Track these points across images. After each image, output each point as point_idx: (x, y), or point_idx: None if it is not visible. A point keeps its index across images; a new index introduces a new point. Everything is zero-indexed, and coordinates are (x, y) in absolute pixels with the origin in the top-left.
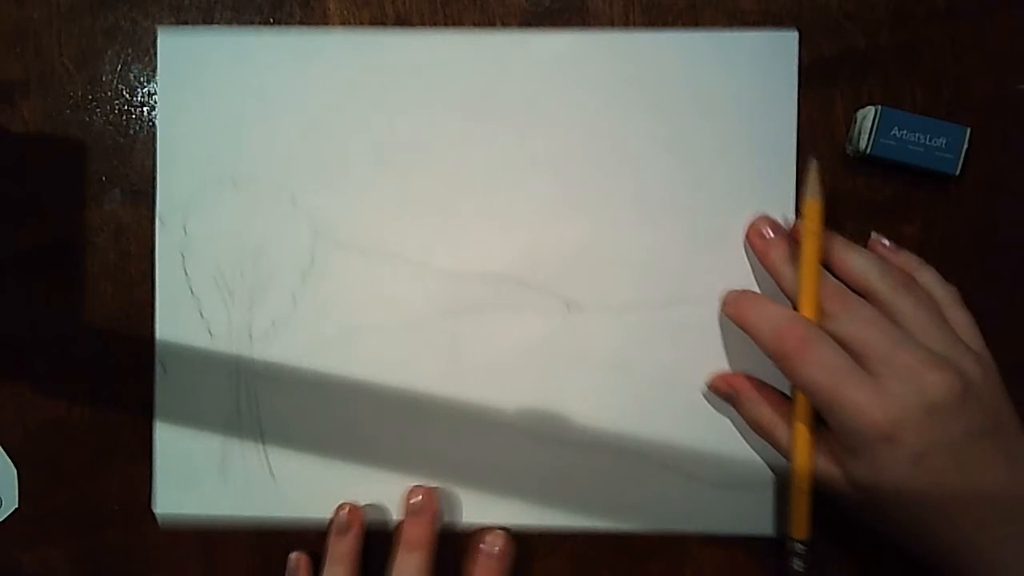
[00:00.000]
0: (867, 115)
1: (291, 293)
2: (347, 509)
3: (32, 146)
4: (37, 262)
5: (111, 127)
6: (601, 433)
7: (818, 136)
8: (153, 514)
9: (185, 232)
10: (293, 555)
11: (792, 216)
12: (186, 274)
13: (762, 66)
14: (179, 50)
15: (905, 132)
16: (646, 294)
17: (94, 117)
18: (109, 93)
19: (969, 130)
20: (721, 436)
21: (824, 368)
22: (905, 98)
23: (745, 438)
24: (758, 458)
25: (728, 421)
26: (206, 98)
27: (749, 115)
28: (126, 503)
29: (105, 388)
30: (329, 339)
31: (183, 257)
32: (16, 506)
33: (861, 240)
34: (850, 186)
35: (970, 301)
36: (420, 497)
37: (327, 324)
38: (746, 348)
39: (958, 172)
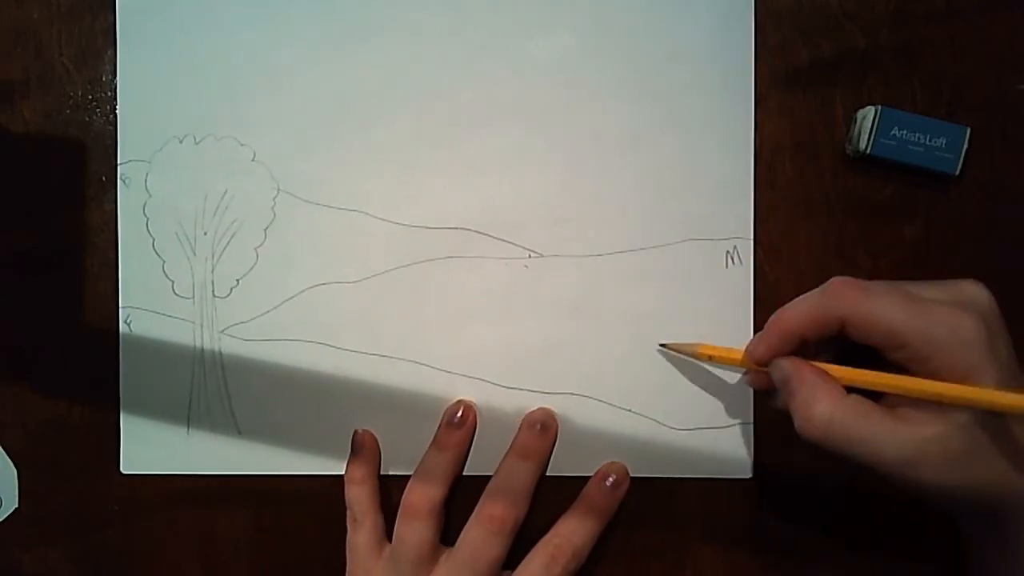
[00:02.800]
0: (867, 115)
1: (253, 249)
2: (463, 407)
3: (32, 146)
4: (37, 262)
5: (111, 127)
6: (565, 381)
7: (818, 136)
8: (159, 514)
9: (147, 190)
10: (360, 431)
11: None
12: (149, 233)
13: (719, 10)
14: (138, 5)
15: (905, 132)
16: (608, 241)
17: (94, 117)
18: (109, 93)
19: (969, 130)
20: (683, 381)
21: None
22: (905, 98)
23: (707, 383)
24: (724, 402)
25: (690, 366)
26: (166, 54)
27: (708, 60)
28: (126, 503)
29: (105, 388)
30: (292, 293)
31: (146, 216)
32: (16, 506)
33: (861, 240)
34: (850, 186)
35: None
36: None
37: (290, 279)
38: (707, 295)
39: (958, 172)
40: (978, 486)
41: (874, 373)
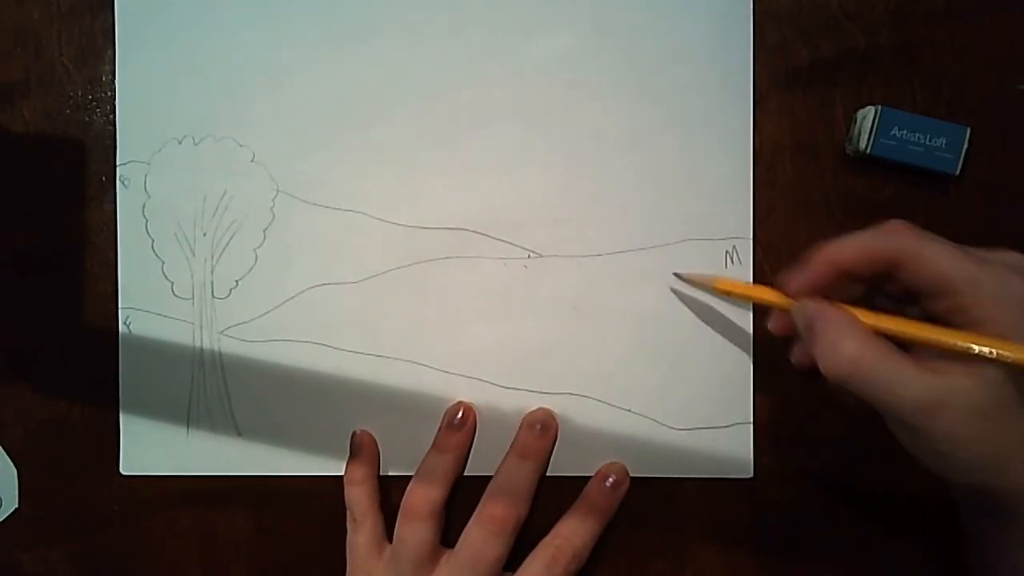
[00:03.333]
0: (867, 115)
1: (253, 250)
2: (463, 408)
3: (32, 146)
4: (37, 262)
5: (111, 127)
6: (564, 381)
7: (818, 136)
8: (159, 514)
9: (146, 191)
10: (359, 431)
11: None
12: (148, 234)
13: (718, 10)
14: (138, 5)
15: (905, 132)
16: (608, 241)
17: (94, 117)
18: (109, 93)
19: (969, 130)
20: (684, 381)
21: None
22: (905, 98)
23: (708, 383)
24: (725, 402)
25: (690, 366)
26: (166, 54)
27: (707, 61)
28: (126, 504)
29: (105, 389)
30: (292, 294)
31: (145, 218)
32: (16, 506)
33: None
34: (850, 186)
35: None
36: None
37: (289, 279)
38: (706, 295)
39: (958, 172)
40: (990, 452)
41: (905, 320)
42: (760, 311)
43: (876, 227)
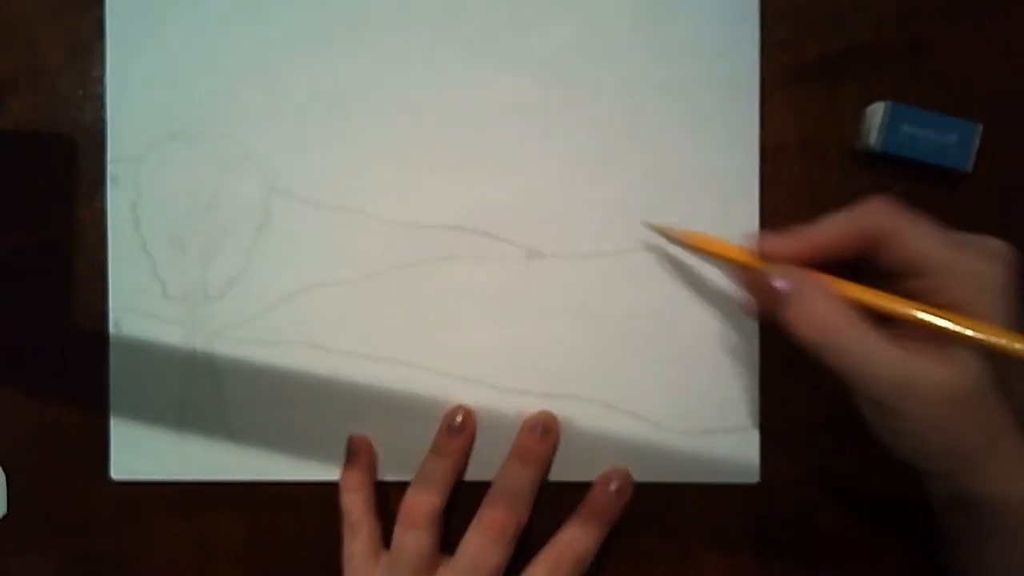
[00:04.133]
0: (877, 111)
1: (245, 249)
2: (463, 412)
3: (22, 144)
4: (29, 262)
5: (101, 124)
6: (565, 383)
7: (827, 132)
8: (150, 519)
9: (138, 189)
10: (355, 436)
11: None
12: (140, 233)
13: (724, 6)
14: (127, 1)
15: (916, 128)
16: (607, 240)
17: (84, 114)
18: (99, 89)
19: (981, 126)
20: (688, 383)
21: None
22: (915, 94)
23: (713, 385)
24: (731, 405)
25: (696, 368)
26: (157, 51)
27: (711, 57)
28: (117, 509)
29: (95, 393)
30: (285, 294)
31: (137, 216)
32: (5, 512)
33: None
34: (859, 183)
35: None
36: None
37: (284, 280)
38: (709, 294)
39: (970, 168)
40: (958, 441)
41: (883, 294)
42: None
43: (857, 206)
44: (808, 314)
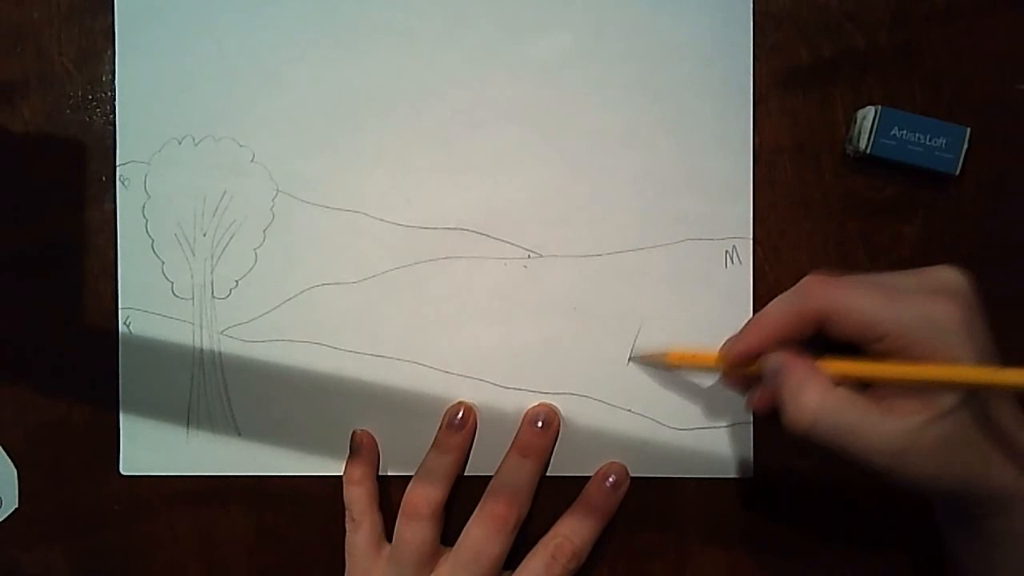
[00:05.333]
0: (867, 115)
1: (252, 250)
2: (463, 409)
3: (32, 146)
4: (37, 262)
5: (111, 127)
6: (565, 381)
7: (819, 136)
8: (159, 514)
9: (146, 191)
10: (358, 431)
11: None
12: (148, 234)
13: (718, 10)
14: (138, 5)
15: (905, 132)
16: (607, 241)
17: (94, 117)
18: (109, 93)
19: (969, 130)
20: (683, 381)
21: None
22: (905, 98)
23: (708, 382)
24: (725, 402)
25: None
26: (165, 55)
27: (705, 61)
28: (126, 504)
29: (105, 389)
30: (291, 294)
31: (145, 218)
32: (16, 506)
33: (861, 240)
34: (850, 186)
35: None
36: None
37: (289, 279)
38: (706, 295)
39: (958, 172)
40: (963, 475)
41: (860, 363)
42: (758, 311)
43: (795, 288)
44: (795, 405)
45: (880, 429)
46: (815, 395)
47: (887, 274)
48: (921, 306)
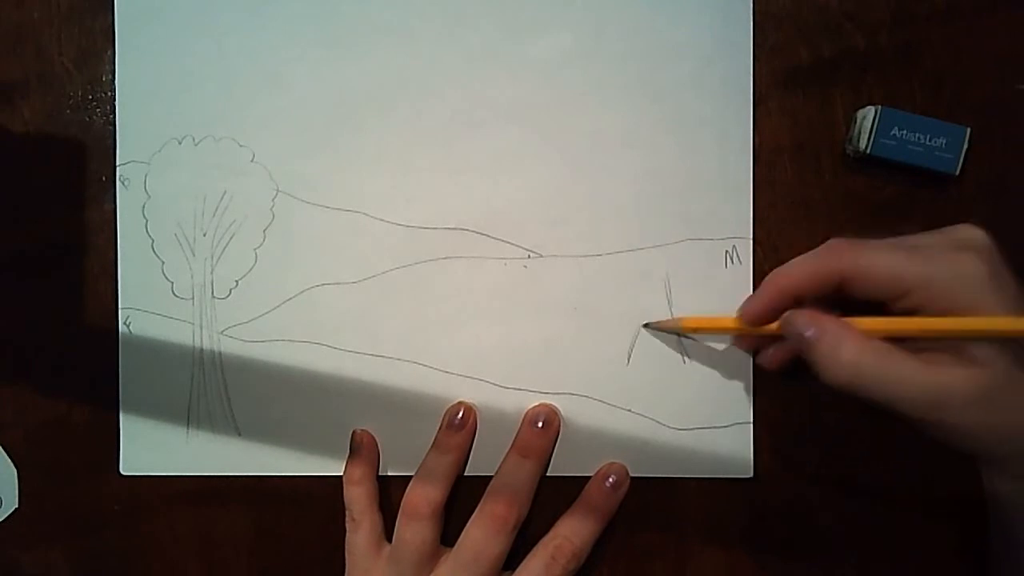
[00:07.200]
0: (867, 115)
1: (253, 250)
2: (464, 409)
3: (32, 146)
4: (37, 262)
5: (111, 127)
6: (564, 381)
7: (819, 135)
8: (159, 514)
9: (146, 191)
10: (358, 431)
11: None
12: (148, 234)
13: (718, 10)
14: (138, 5)
15: (905, 132)
16: (607, 241)
17: (94, 117)
18: (109, 93)
19: (969, 130)
20: (683, 381)
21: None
22: (905, 98)
23: (707, 383)
24: (724, 402)
25: (690, 366)
26: (165, 55)
27: (706, 61)
28: (126, 504)
29: (105, 389)
30: (291, 294)
31: (145, 218)
32: (16, 506)
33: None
34: (850, 186)
35: None
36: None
37: (289, 279)
38: (706, 295)
39: (958, 172)
40: (1002, 425)
41: (890, 319)
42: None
43: (818, 249)
44: (833, 360)
45: (918, 379)
46: (853, 349)
47: (908, 236)
48: (947, 261)
